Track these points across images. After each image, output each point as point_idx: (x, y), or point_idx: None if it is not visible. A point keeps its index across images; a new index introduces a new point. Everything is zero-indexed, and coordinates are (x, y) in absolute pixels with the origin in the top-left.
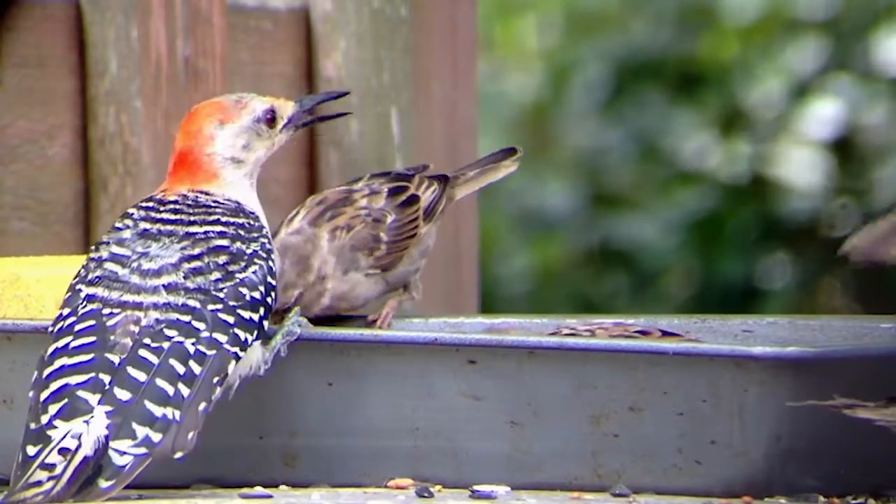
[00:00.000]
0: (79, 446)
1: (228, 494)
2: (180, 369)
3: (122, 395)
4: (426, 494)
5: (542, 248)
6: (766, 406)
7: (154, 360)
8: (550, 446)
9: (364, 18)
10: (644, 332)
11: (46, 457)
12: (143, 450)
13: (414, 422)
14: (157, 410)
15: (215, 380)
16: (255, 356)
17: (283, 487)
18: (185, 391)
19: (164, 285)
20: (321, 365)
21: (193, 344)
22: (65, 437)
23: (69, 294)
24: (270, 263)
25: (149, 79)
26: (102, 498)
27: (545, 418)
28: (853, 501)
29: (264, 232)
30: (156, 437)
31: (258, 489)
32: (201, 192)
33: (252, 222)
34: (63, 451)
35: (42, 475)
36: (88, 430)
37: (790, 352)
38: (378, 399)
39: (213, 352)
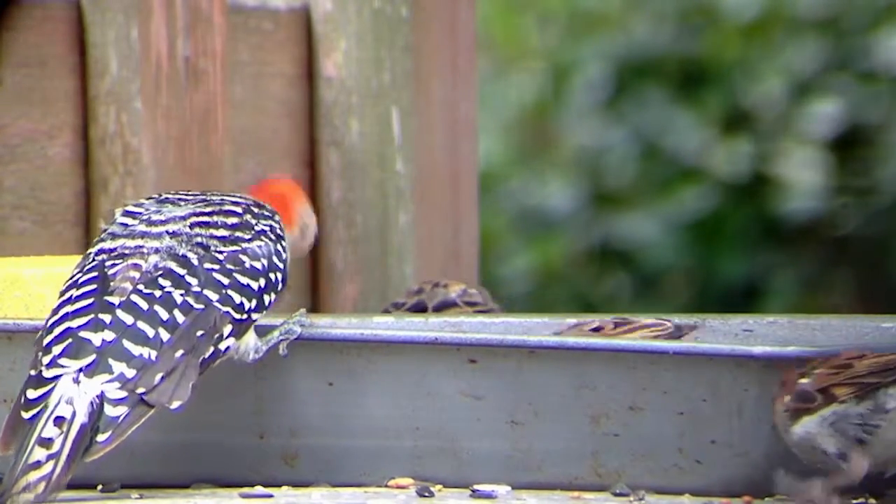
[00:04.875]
0: (74, 413)
1: (228, 494)
2: (164, 316)
3: (108, 336)
4: (427, 494)
5: (542, 247)
6: (766, 406)
7: (144, 306)
8: (550, 446)
9: (364, 18)
10: (597, 329)
11: (44, 428)
12: (116, 385)
13: (414, 421)
14: (136, 350)
15: (199, 333)
16: (250, 340)
17: (283, 487)
18: (164, 335)
19: (168, 231)
20: (321, 365)
21: (182, 295)
22: (59, 403)
23: (83, 258)
24: (279, 247)
25: (149, 79)
26: (101, 452)
27: (545, 418)
28: (853, 501)
29: (277, 219)
30: (129, 372)
31: (258, 489)
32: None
33: (264, 205)
34: (59, 421)
35: (41, 454)
36: (79, 393)
37: (790, 351)
38: (378, 399)
39: (201, 306)
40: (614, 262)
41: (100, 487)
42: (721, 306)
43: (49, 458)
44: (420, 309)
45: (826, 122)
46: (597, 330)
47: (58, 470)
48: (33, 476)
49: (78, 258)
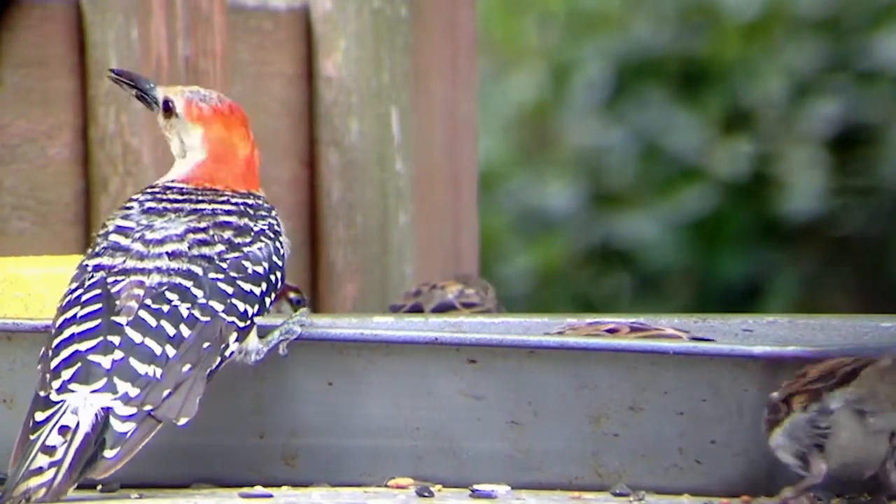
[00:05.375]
0: (78, 423)
1: (228, 494)
2: (171, 331)
3: (118, 355)
4: (426, 494)
5: (542, 247)
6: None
7: (153, 322)
8: (550, 446)
9: (364, 18)
10: (612, 331)
11: (48, 437)
12: (119, 404)
13: (414, 421)
14: (142, 368)
15: (206, 345)
16: (252, 341)
17: (283, 487)
18: (170, 352)
19: (167, 252)
20: (321, 365)
21: (188, 309)
22: (64, 412)
23: (77, 270)
24: (277, 244)
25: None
26: (110, 469)
27: (545, 418)
28: (853, 501)
29: (273, 214)
30: (133, 391)
31: (258, 489)
32: (225, 189)
33: (261, 202)
34: (63, 430)
35: (43, 460)
36: (85, 404)
37: (790, 351)
38: (378, 399)
39: (207, 318)
40: (614, 262)
41: (99, 487)
42: (721, 306)
43: (51, 465)
44: (417, 312)
45: (826, 122)
46: (611, 332)
47: (59, 477)
48: (34, 482)
49: (78, 258)
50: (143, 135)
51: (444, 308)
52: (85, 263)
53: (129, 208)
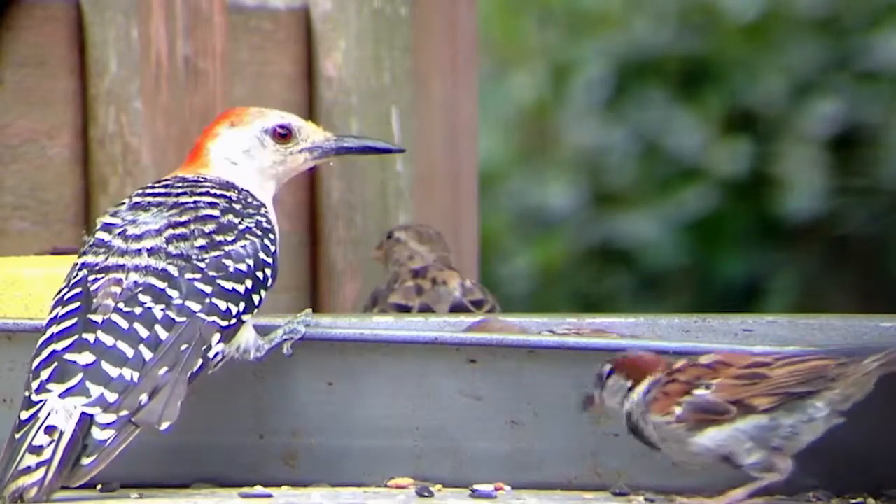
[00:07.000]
0: (64, 423)
1: (228, 494)
2: (144, 333)
3: (91, 357)
4: (426, 494)
5: (543, 247)
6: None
7: (125, 325)
8: (550, 446)
9: (364, 18)
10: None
11: (34, 437)
12: (100, 409)
13: (414, 421)
14: (114, 371)
15: (184, 347)
16: (247, 337)
17: (283, 487)
18: (146, 354)
19: (146, 249)
20: (321, 365)
21: (163, 310)
22: (49, 414)
23: (69, 269)
24: (266, 241)
25: (149, 79)
26: (87, 476)
27: (545, 418)
28: (853, 501)
29: (262, 211)
30: (111, 396)
31: (258, 488)
32: (196, 177)
33: (248, 199)
34: (49, 430)
35: (31, 460)
36: (67, 406)
37: (789, 351)
38: (378, 399)
39: (184, 319)
40: (614, 261)
41: (99, 487)
42: (721, 306)
43: (39, 464)
44: (428, 312)
45: (826, 121)
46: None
47: (49, 475)
48: (23, 481)
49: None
50: (143, 135)
51: (457, 309)
52: (75, 262)
53: (120, 204)
